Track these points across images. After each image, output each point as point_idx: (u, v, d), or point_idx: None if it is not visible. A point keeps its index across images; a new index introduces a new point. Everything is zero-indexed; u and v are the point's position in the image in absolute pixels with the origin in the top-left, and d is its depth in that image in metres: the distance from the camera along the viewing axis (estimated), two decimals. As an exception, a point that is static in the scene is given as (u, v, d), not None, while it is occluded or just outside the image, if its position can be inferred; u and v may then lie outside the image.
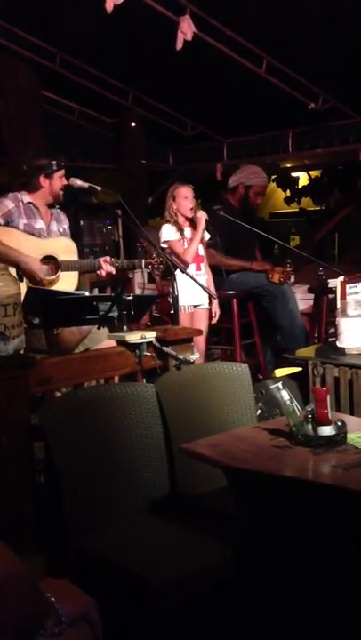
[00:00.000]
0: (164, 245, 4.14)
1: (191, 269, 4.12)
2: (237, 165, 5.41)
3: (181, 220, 4.23)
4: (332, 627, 1.90)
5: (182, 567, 1.98)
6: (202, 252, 4.26)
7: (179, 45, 4.36)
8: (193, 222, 4.23)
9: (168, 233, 4.19)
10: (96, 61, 5.64)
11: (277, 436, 2.11)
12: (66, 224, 3.52)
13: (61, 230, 3.47)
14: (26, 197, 3.33)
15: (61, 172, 3.38)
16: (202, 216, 4.16)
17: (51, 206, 3.44)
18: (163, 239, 4.17)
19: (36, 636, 1.05)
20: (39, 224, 3.34)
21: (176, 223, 4.21)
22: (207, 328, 4.31)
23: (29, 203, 3.33)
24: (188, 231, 4.24)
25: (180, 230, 4.20)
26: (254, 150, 6.57)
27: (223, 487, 2.16)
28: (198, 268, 4.23)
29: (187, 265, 4.10)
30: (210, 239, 4.34)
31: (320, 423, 2.01)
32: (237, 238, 4.60)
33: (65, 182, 3.39)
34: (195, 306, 4.22)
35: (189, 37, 4.34)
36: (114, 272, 3.37)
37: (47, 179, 3.33)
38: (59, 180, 3.37)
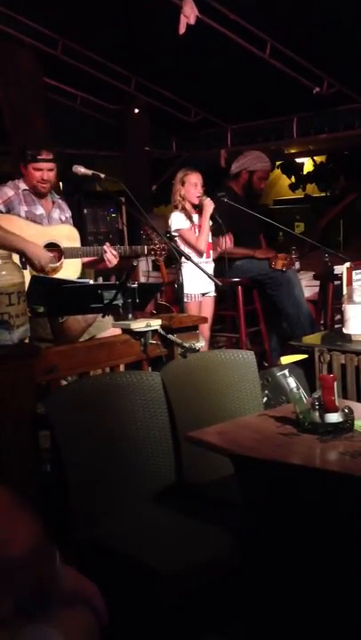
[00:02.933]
0: (174, 234, 4.13)
1: (202, 257, 4.11)
2: (241, 152, 5.37)
3: (189, 206, 4.22)
4: (338, 620, 1.89)
5: (189, 557, 1.98)
6: (210, 239, 4.25)
7: (182, 30, 4.30)
8: (198, 208, 4.22)
9: (178, 221, 4.18)
10: (98, 48, 5.59)
11: (284, 423, 2.10)
12: (68, 213, 3.49)
13: (63, 219, 3.44)
14: (22, 185, 3.31)
15: (38, 165, 3.24)
16: (209, 204, 4.14)
17: (52, 194, 3.41)
18: (173, 227, 4.15)
19: (35, 614, 1.01)
20: (39, 210, 3.32)
21: (184, 210, 4.20)
22: (212, 316, 4.31)
23: (26, 190, 3.31)
24: (196, 218, 4.23)
25: (190, 218, 4.19)
26: (259, 136, 6.52)
27: (229, 475, 2.15)
28: (208, 256, 4.22)
29: (201, 252, 4.10)
30: (212, 226, 4.31)
31: (327, 410, 2.00)
32: (241, 225, 4.57)
33: (45, 177, 3.26)
34: (203, 294, 4.22)
35: (192, 21, 4.28)
36: (117, 259, 3.34)
37: (24, 168, 3.29)
38: (33, 172, 3.25)
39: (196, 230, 4.19)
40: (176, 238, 4.10)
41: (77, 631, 1.01)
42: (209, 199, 4.17)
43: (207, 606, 2.10)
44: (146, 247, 3.41)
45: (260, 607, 2.08)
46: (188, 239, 4.14)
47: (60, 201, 3.47)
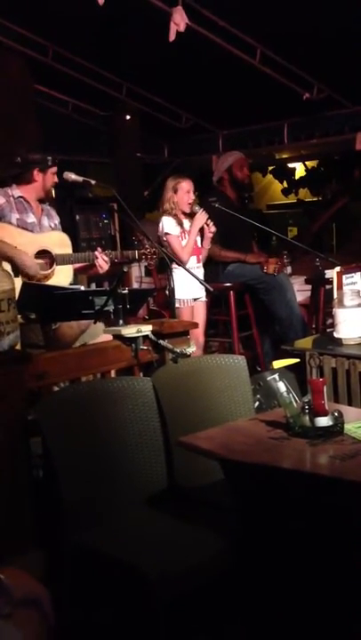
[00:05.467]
0: (164, 238, 4.15)
1: (191, 262, 4.11)
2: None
3: (180, 213, 4.23)
4: (332, 620, 1.90)
5: (181, 560, 1.98)
6: (200, 244, 4.25)
7: (171, 37, 4.32)
8: (189, 215, 4.22)
9: (169, 225, 4.18)
10: (89, 54, 5.61)
11: (275, 427, 2.10)
12: (57, 220, 3.51)
13: (52, 226, 3.46)
14: (16, 192, 3.32)
15: (54, 169, 3.37)
16: (201, 217, 4.13)
17: (41, 202, 3.43)
18: (164, 231, 4.16)
19: None
20: (31, 218, 3.34)
21: (176, 216, 4.21)
22: (205, 321, 4.31)
23: (20, 197, 3.32)
24: (186, 223, 4.24)
25: (180, 223, 4.20)
26: (250, 141, 6.54)
27: (221, 479, 2.16)
28: (198, 261, 4.23)
29: (184, 262, 4.07)
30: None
31: (317, 414, 2.00)
32: (233, 230, 4.58)
33: (56, 180, 3.38)
34: (195, 299, 4.23)
35: (182, 28, 4.30)
36: (108, 264, 3.35)
37: (41, 173, 3.32)
38: (51, 177, 3.36)
39: (185, 237, 4.19)
40: (166, 244, 4.11)
41: (30, 629, 1.06)
42: (202, 211, 4.16)
43: (200, 609, 2.10)
44: (137, 252, 3.43)
45: (253, 609, 2.09)
46: (174, 246, 4.14)
47: (47, 207, 3.49)
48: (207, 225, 4.14)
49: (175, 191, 4.22)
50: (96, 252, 3.35)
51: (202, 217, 4.13)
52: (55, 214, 3.52)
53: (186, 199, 4.18)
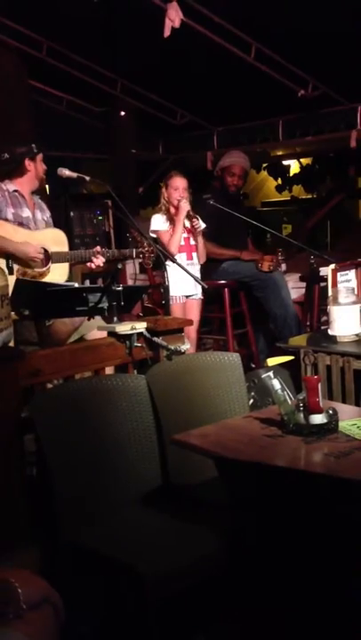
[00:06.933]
0: (153, 235, 4.15)
1: (182, 259, 4.09)
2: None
3: (172, 209, 4.22)
4: (327, 617, 1.90)
5: (175, 559, 1.97)
6: (193, 241, 4.24)
7: (166, 33, 4.30)
8: None
9: (156, 222, 4.21)
10: (83, 50, 5.58)
11: (269, 425, 2.10)
12: (48, 213, 3.52)
13: (45, 219, 3.46)
14: (10, 186, 3.31)
15: (41, 155, 3.41)
16: (183, 207, 4.13)
17: (33, 193, 3.42)
18: (151, 228, 4.18)
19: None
20: (26, 212, 3.32)
21: (167, 212, 4.21)
22: (199, 318, 4.30)
23: (15, 191, 3.31)
24: None
25: (171, 220, 4.19)
26: (245, 138, 6.53)
27: (216, 477, 2.16)
28: (190, 258, 4.21)
29: (172, 255, 4.05)
30: (205, 228, 4.30)
31: (311, 412, 2.00)
32: (228, 226, 4.58)
33: (45, 167, 3.42)
34: (187, 296, 4.22)
35: (177, 24, 4.28)
36: (102, 264, 3.35)
37: (32, 162, 3.36)
38: (41, 163, 3.41)
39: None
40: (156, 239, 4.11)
41: (41, 629, 1.07)
42: (184, 201, 4.15)
43: (194, 608, 2.10)
44: (134, 250, 3.42)
45: (248, 607, 2.09)
46: (163, 240, 4.14)
47: (39, 201, 3.49)
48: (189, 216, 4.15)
49: (166, 187, 4.23)
50: (97, 250, 3.34)
51: (185, 206, 4.13)
52: (46, 207, 3.53)
53: (175, 195, 4.18)
